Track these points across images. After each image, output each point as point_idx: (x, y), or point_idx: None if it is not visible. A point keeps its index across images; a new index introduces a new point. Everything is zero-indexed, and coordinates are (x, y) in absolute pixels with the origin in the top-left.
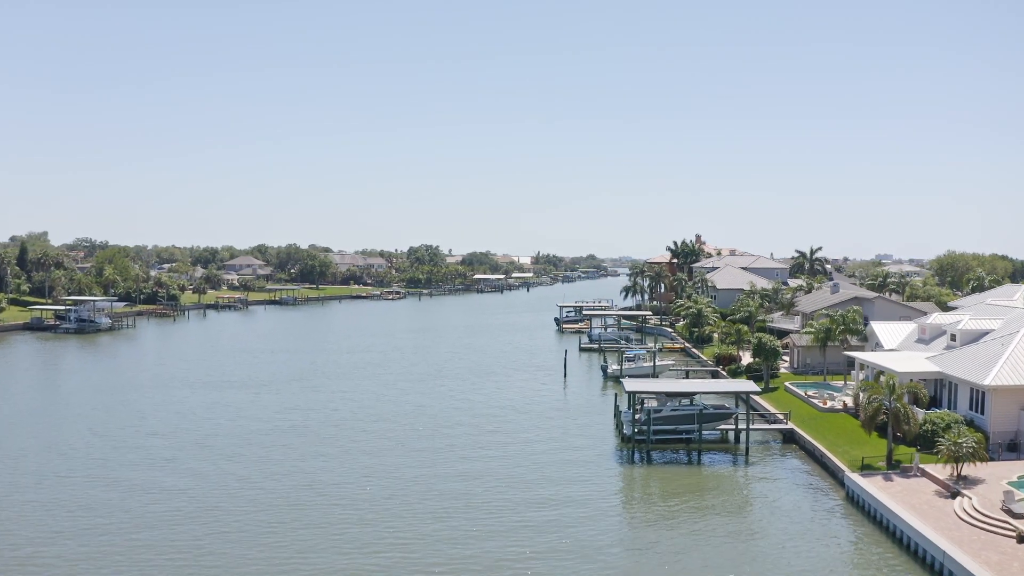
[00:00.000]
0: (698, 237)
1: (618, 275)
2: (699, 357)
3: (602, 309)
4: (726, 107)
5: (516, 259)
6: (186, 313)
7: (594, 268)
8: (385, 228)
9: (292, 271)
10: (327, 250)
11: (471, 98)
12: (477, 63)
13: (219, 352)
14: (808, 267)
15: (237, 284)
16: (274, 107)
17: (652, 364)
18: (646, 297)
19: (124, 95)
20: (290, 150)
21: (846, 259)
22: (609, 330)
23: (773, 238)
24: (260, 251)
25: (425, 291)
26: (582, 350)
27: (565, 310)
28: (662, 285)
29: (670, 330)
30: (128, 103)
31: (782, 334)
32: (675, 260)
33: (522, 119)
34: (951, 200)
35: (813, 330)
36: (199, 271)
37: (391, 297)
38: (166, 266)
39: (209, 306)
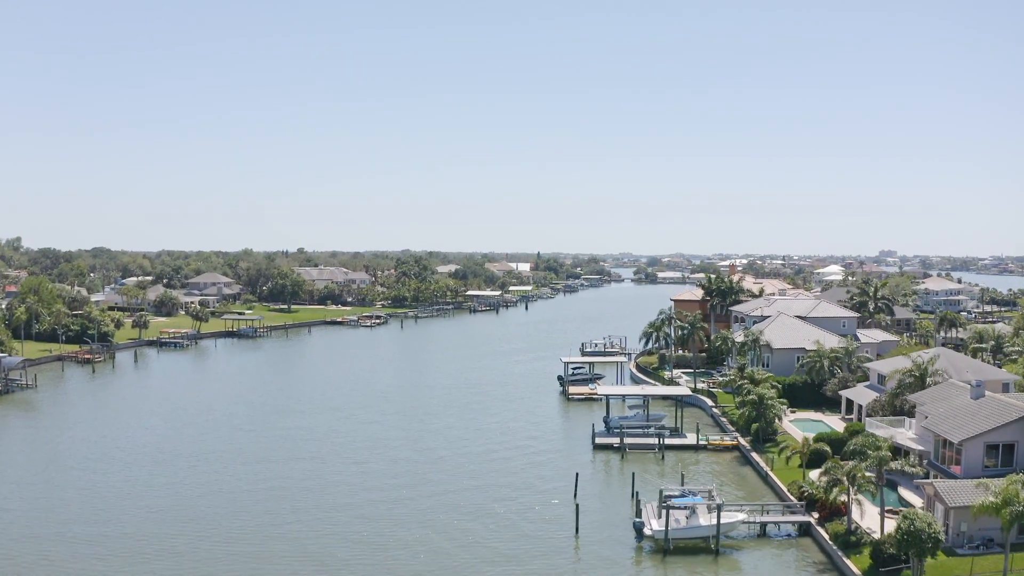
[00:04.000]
0: (732, 267)
1: (622, 280)
2: (767, 475)
3: (616, 352)
4: (718, 99)
5: (514, 267)
6: (114, 357)
7: (597, 275)
8: (381, 228)
9: (264, 289)
10: (309, 260)
11: (471, 94)
12: (475, 55)
13: (72, 455)
14: (872, 307)
15: (198, 307)
16: (265, 102)
17: (715, 522)
18: (671, 343)
19: (110, 87)
20: (278, 146)
21: (861, 262)
22: (632, 411)
23: (771, 233)
24: (231, 266)
25: (411, 312)
26: (597, 447)
27: (572, 365)
28: (695, 336)
29: (709, 403)
30: (113, 95)
31: (893, 450)
32: (708, 299)
33: (519, 111)
34: (952, 195)
35: (998, 499)
36: (157, 290)
37: (370, 324)
38: (128, 282)
39: (150, 343)
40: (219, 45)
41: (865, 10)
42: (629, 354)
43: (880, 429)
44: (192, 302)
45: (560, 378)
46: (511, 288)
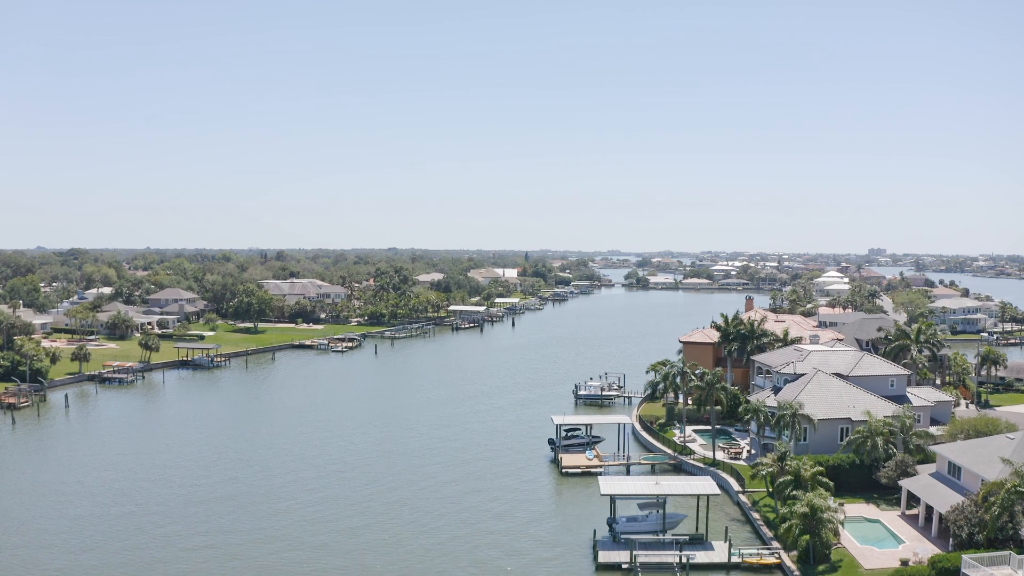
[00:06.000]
0: (749, 300)
1: (612, 285)
2: None
3: (615, 395)
4: (706, 96)
5: (501, 273)
6: (46, 399)
7: (587, 280)
8: (368, 224)
9: (231, 304)
10: (284, 268)
11: (460, 90)
12: (465, 51)
13: None
14: (915, 351)
15: (155, 328)
16: (253, 98)
17: None
18: (680, 392)
19: (100, 83)
20: (268, 142)
21: (860, 267)
22: (645, 511)
23: (760, 231)
24: (197, 279)
25: (388, 332)
26: (601, 567)
27: (565, 427)
28: (712, 395)
29: (735, 486)
30: (103, 92)
31: None
32: (725, 344)
33: (507, 107)
34: (941, 193)
35: None
36: (115, 307)
37: (342, 348)
38: (88, 295)
39: (92, 377)
40: (208, 42)
41: (856, 7)
42: (629, 397)
43: (978, 571)
44: (149, 322)
45: (551, 441)
46: (497, 300)
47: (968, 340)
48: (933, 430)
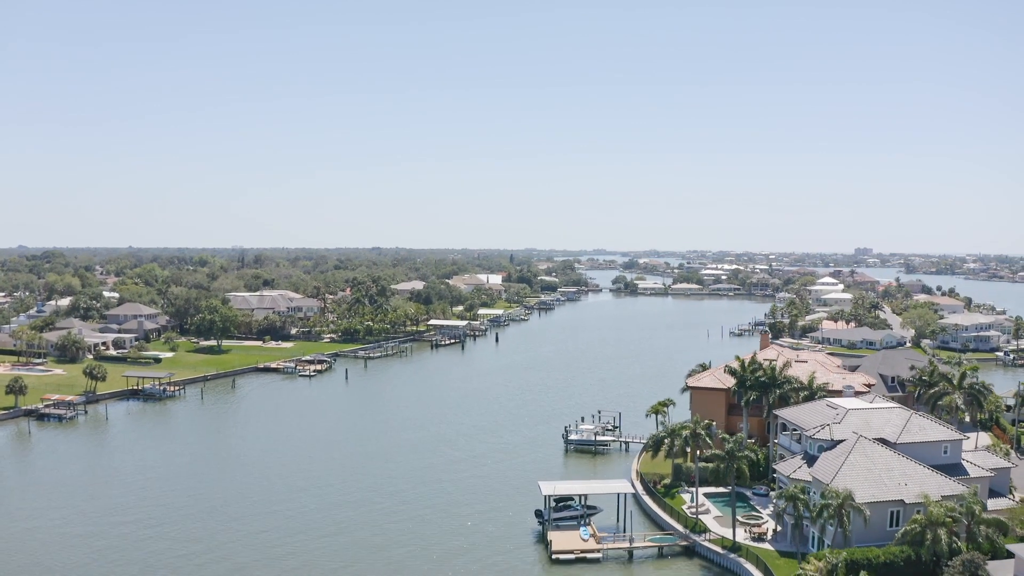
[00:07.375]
0: (764, 335)
1: (600, 290)
2: None
3: (610, 440)
4: (690, 95)
5: (485, 280)
6: None
7: (574, 285)
8: (354, 223)
9: (193, 320)
10: (258, 277)
11: (448, 90)
12: (456, 50)
13: None
14: (959, 399)
15: (110, 348)
16: (242, 97)
17: None
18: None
19: (90, 81)
20: (257, 140)
21: (852, 271)
22: None
23: (745, 230)
24: (160, 292)
25: (362, 351)
26: None
27: (555, 497)
28: (734, 467)
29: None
30: (92, 90)
31: None
32: (741, 392)
33: (495, 106)
34: (928, 192)
35: None
36: (71, 322)
37: (310, 371)
38: (47, 307)
39: (29, 412)
40: (202, 39)
41: (855, 7)
42: (627, 443)
43: None
44: (104, 342)
45: (539, 514)
46: (480, 312)
47: (982, 359)
48: (992, 506)
